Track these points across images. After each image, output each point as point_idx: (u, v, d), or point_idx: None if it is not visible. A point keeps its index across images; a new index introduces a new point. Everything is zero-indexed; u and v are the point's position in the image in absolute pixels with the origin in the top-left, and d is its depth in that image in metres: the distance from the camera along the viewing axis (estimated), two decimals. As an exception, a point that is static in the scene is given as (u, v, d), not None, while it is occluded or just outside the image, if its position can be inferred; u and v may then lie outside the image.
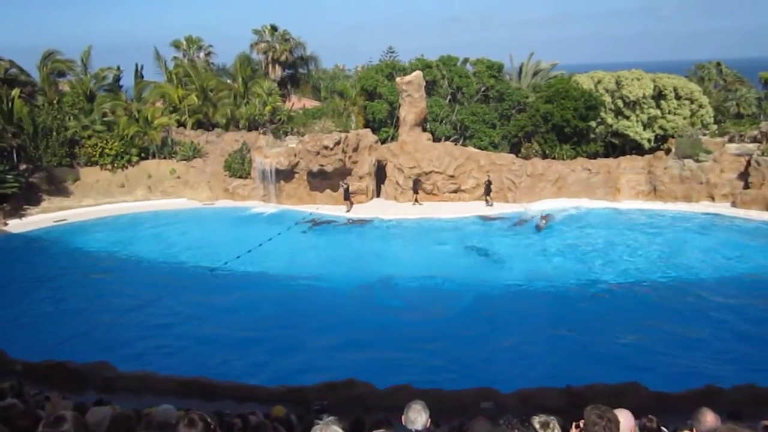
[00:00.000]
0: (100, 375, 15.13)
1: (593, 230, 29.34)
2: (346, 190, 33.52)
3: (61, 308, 22.43)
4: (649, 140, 36.02)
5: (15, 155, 35.33)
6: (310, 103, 46.54)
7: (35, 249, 29.57)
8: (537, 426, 4.72)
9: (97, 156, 36.36)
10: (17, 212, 32.97)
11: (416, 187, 33.89)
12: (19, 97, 35.71)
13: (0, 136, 34.42)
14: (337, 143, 33.01)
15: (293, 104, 45.73)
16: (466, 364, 17.03)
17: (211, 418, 4.41)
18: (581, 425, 5.76)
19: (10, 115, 34.84)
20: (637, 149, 36.30)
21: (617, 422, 4.39)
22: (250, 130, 39.90)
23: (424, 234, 30.04)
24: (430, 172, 34.03)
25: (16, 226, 31.95)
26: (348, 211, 33.18)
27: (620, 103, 36.17)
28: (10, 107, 34.90)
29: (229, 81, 46.49)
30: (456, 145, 37.07)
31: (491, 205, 33.19)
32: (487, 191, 33.50)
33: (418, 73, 36.53)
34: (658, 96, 36.03)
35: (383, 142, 37.48)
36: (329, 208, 33.81)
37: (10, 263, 27.53)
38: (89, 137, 36.59)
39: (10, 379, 12.97)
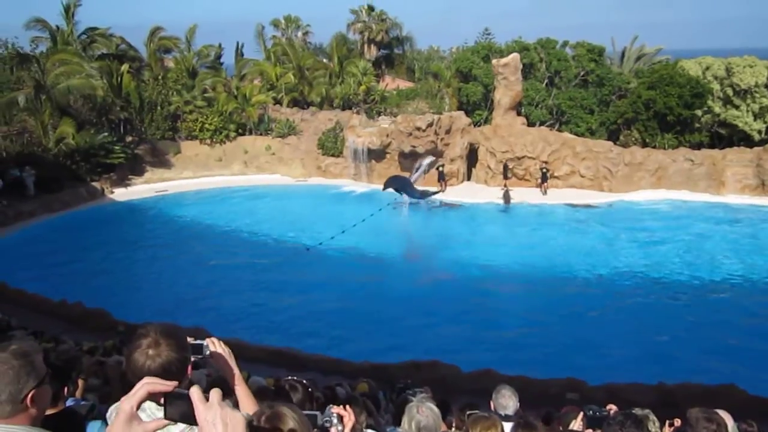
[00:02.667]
0: (195, 340, 15.83)
1: (695, 224, 28.03)
2: (441, 173, 33.38)
3: (161, 274, 23.56)
4: (759, 131, 34.01)
5: (122, 128, 37.22)
6: (404, 84, 46.49)
7: (139, 217, 31.11)
8: None
9: (197, 130, 37.76)
10: (123, 182, 34.71)
11: (506, 172, 33.31)
12: (128, 72, 37.46)
13: (109, 108, 36.32)
14: (430, 125, 32.88)
15: (387, 84, 45.84)
16: (552, 352, 16.79)
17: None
18: (676, 424, 5.58)
19: (119, 89, 36.59)
20: (746, 141, 34.31)
21: (726, 427, 4.11)
22: (344, 109, 40.36)
23: (513, 219, 29.67)
24: (523, 157, 33.37)
25: (121, 194, 33.67)
26: (441, 192, 33.07)
27: (730, 92, 34.28)
28: (120, 82, 36.62)
29: (325, 60, 47.08)
30: (551, 130, 36.19)
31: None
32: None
33: (515, 56, 35.74)
34: (773, 85, 33.91)
35: (476, 125, 37.06)
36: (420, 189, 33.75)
37: (115, 230, 29.08)
38: (190, 112, 38.02)
39: (113, 339, 13.80)
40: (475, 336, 17.82)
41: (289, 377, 4.49)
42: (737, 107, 34.30)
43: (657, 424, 4.67)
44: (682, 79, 34.08)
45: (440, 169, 33.40)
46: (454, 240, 26.78)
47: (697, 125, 35.39)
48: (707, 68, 35.37)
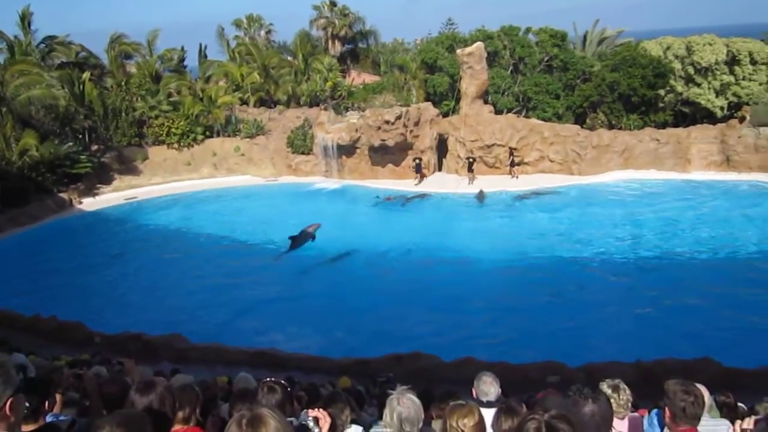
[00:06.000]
0: (174, 346, 15.73)
1: (668, 202, 28.46)
2: (418, 164, 33.55)
3: (134, 283, 23.32)
4: (721, 108, 34.56)
5: (87, 136, 36.64)
6: (370, 78, 46.40)
7: (108, 226, 30.68)
8: (608, 390, 4.61)
9: (164, 135, 37.35)
10: (90, 191, 34.21)
11: (471, 167, 33.44)
12: (90, 79, 36.90)
13: (73, 118, 35.70)
14: (398, 117, 32.91)
15: (353, 79, 45.73)
16: (530, 337, 16.96)
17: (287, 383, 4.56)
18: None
19: (81, 97, 36.04)
20: (709, 118, 34.84)
21: (703, 398, 4.17)
22: (311, 106, 40.20)
23: (485, 207, 29.88)
24: (492, 145, 33.58)
25: (89, 204, 33.18)
26: (417, 184, 33.22)
27: (691, 70, 34.78)
28: (82, 90, 36.08)
29: (289, 58, 46.81)
30: (519, 117, 36.42)
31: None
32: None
33: (479, 45, 35.81)
34: (732, 61, 34.44)
35: (445, 115, 37.13)
36: (391, 183, 33.80)
37: (85, 240, 28.68)
38: (156, 117, 37.58)
39: (90, 350, 13.64)
40: (453, 325, 17.92)
41: (268, 378, 4.48)
42: (699, 85, 34.80)
43: (628, 392, 4.75)
44: (645, 60, 34.52)
45: (417, 161, 33.56)
46: (426, 230, 26.82)
47: (661, 105, 35.89)
48: (668, 48, 35.82)
